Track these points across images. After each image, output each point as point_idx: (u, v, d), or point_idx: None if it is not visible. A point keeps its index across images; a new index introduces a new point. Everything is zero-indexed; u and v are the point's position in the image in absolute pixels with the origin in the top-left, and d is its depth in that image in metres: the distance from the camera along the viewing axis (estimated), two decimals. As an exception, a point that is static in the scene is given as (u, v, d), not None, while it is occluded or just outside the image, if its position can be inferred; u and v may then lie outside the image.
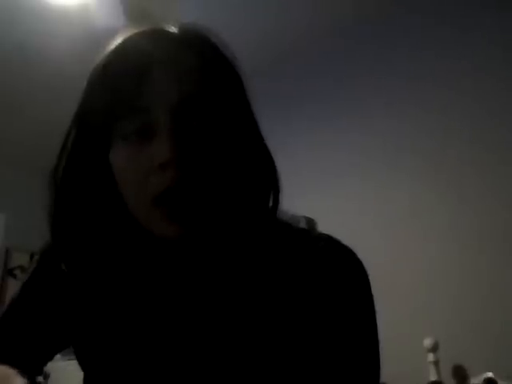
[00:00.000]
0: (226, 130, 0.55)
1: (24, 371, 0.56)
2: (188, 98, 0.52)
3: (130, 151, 0.53)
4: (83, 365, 0.63)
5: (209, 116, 0.53)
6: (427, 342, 1.90)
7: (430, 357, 1.88)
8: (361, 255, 0.58)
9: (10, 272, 3.55)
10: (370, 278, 0.57)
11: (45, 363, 0.69)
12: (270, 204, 0.58)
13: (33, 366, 0.66)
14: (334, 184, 2.52)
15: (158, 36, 0.56)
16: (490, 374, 1.69)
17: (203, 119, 0.53)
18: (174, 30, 0.57)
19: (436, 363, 1.87)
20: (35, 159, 3.41)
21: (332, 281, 0.55)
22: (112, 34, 0.57)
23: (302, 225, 0.61)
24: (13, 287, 3.44)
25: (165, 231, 0.53)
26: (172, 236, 0.53)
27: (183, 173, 0.51)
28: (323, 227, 0.61)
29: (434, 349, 1.88)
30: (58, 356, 0.72)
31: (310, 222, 0.61)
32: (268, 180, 0.59)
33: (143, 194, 0.53)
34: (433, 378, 1.85)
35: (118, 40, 0.56)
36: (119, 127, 0.53)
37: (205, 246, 0.57)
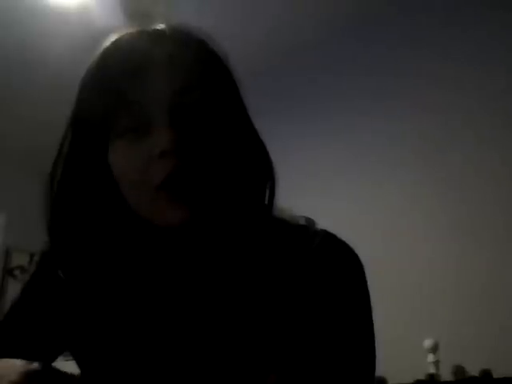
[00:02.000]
0: (220, 119, 0.56)
1: None
2: (183, 90, 0.54)
3: (129, 146, 0.54)
4: (81, 364, 0.64)
5: (203, 106, 0.55)
6: (427, 342, 1.90)
7: (430, 357, 1.88)
8: (360, 255, 0.59)
9: (10, 272, 3.55)
10: (370, 278, 0.58)
11: None
12: (267, 196, 0.59)
13: None
14: (333, 183, 2.52)
15: (151, 35, 0.57)
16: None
17: (198, 109, 0.55)
18: (165, 29, 0.59)
19: (436, 363, 1.88)
20: (35, 159, 3.41)
21: (328, 275, 0.56)
22: (112, 34, 0.58)
23: (301, 222, 0.61)
24: (13, 287, 3.45)
25: (170, 216, 0.53)
26: (176, 222, 0.53)
27: (183, 159, 0.52)
28: (322, 227, 0.61)
29: (434, 349, 1.89)
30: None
31: (309, 221, 0.61)
32: (263, 170, 0.60)
33: (146, 184, 0.53)
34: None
35: (111, 40, 0.58)
36: (116, 125, 0.54)
37: (204, 238, 0.57)
